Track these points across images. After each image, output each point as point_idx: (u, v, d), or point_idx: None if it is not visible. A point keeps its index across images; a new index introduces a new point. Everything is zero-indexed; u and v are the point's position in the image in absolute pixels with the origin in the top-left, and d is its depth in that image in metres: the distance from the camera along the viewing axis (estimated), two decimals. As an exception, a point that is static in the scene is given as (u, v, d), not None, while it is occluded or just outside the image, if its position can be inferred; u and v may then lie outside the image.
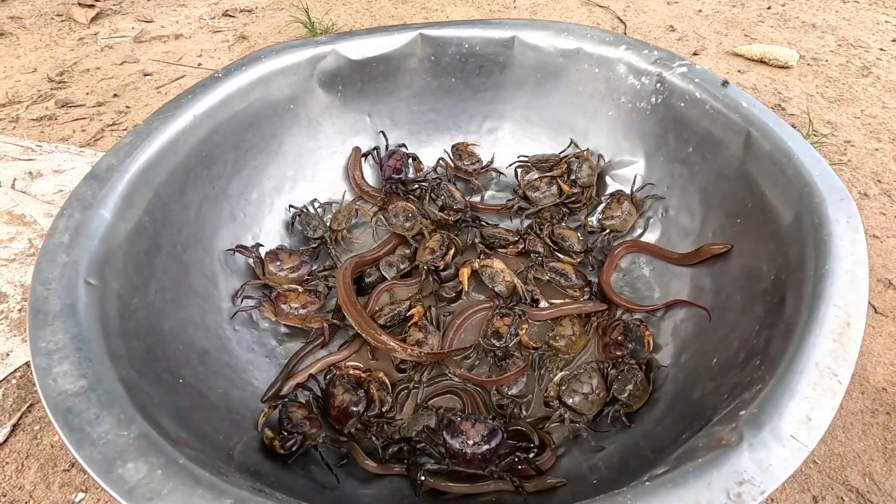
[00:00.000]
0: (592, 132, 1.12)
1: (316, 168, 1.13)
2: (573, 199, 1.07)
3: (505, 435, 0.70)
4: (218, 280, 0.91)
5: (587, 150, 1.11)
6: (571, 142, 1.13)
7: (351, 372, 0.83)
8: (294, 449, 0.71)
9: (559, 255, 0.98)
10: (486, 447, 0.68)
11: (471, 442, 0.69)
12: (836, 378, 0.49)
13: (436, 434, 0.72)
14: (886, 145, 1.30)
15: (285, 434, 0.72)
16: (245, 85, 0.98)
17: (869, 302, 0.97)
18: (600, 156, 1.10)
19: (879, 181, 1.20)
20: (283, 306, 0.89)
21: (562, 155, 1.12)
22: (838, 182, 0.69)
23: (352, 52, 1.09)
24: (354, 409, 0.77)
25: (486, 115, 1.20)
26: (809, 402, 0.48)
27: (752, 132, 0.82)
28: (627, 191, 1.05)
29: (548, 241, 1.00)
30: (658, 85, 0.99)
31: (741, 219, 0.82)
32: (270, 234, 1.04)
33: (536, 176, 1.12)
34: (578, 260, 0.99)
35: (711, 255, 0.85)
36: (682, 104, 0.96)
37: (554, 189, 1.07)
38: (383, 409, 0.79)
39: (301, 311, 0.89)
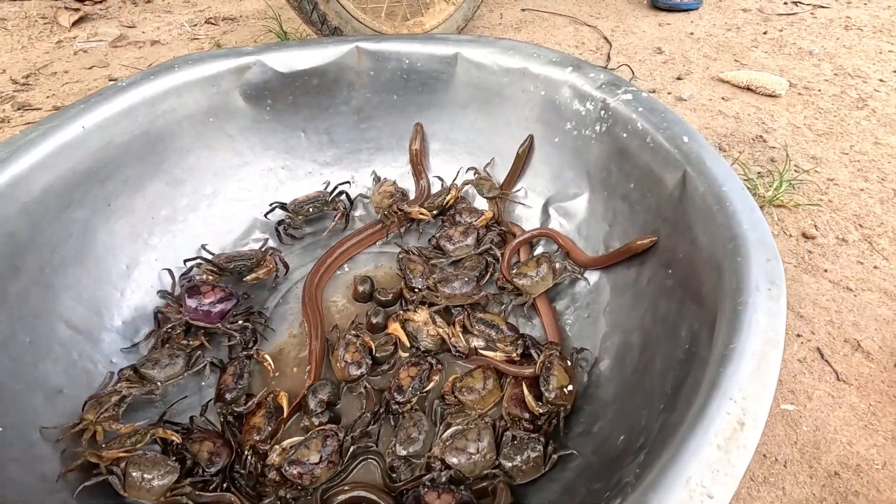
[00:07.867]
0: (537, 159, 1.02)
1: (240, 185, 1.06)
2: (489, 241, 0.97)
3: None
4: (101, 306, 0.83)
5: (485, 170, 1.06)
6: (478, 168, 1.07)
7: (266, 365, 0.82)
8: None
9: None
10: None
11: None
12: (710, 501, 0.38)
13: None
14: (873, 185, 1.17)
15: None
16: (152, 96, 0.91)
17: (832, 367, 0.85)
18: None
19: (861, 225, 1.08)
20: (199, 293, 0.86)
21: (452, 184, 1.06)
22: (769, 237, 0.58)
23: (279, 64, 1.02)
24: (228, 395, 0.76)
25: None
26: (669, 532, 0.37)
27: (688, 171, 0.72)
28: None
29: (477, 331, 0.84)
30: (602, 112, 0.90)
31: (673, 270, 0.72)
32: (180, 253, 0.95)
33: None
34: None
35: (635, 253, 0.79)
36: (625, 134, 0.85)
37: (470, 240, 0.96)
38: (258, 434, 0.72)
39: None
